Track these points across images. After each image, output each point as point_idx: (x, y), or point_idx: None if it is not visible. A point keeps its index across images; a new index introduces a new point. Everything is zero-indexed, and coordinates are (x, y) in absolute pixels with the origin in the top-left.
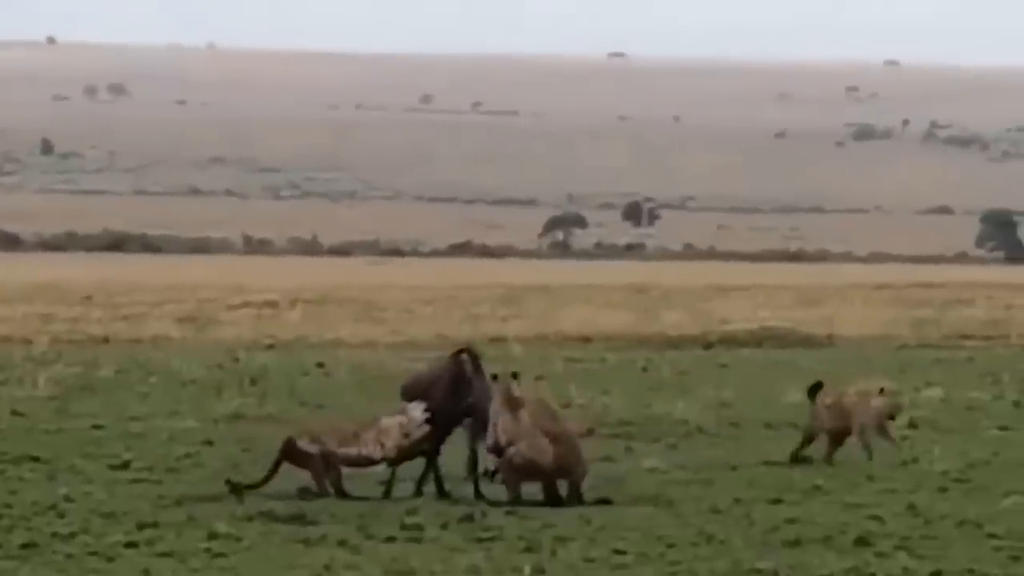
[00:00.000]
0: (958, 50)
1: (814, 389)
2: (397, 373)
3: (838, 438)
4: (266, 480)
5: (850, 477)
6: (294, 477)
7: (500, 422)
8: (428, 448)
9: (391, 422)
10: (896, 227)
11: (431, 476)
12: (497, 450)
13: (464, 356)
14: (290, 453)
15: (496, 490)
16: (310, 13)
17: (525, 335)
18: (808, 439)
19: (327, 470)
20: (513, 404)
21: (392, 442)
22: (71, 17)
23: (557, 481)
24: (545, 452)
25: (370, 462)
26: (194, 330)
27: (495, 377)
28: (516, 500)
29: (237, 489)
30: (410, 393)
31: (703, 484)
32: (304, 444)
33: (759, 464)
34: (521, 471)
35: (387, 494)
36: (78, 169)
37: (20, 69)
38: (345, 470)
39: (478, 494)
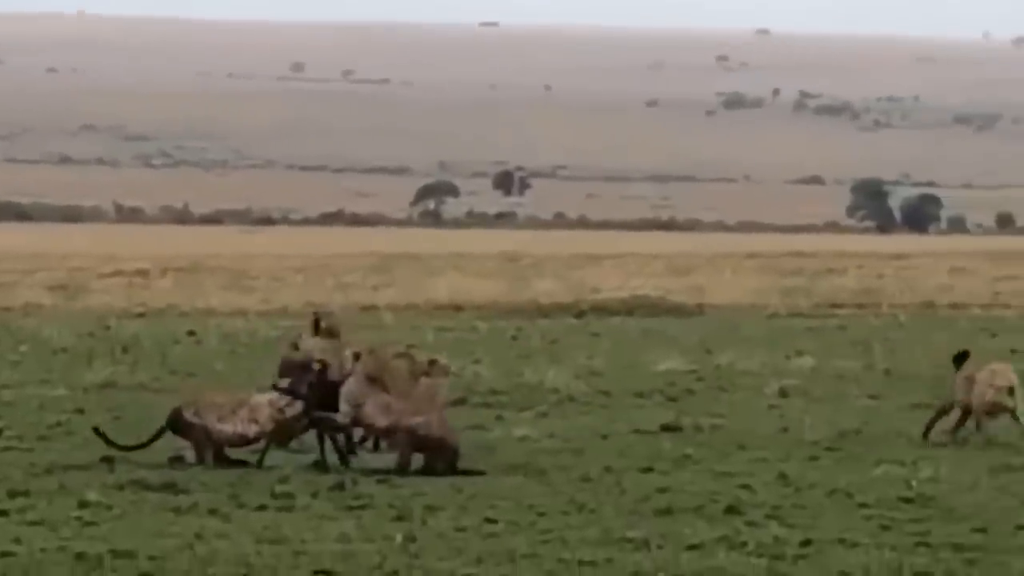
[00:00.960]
0: (829, 20)
1: (959, 358)
2: (268, 341)
3: (968, 413)
4: (145, 445)
5: (721, 446)
6: (166, 446)
7: (375, 398)
8: (314, 421)
9: (261, 399)
10: (767, 196)
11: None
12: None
13: (319, 322)
14: (175, 423)
15: (366, 459)
16: None
17: (396, 304)
18: (942, 410)
19: (208, 443)
20: (373, 383)
21: (265, 419)
22: None
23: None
24: (448, 426)
25: (244, 440)
26: (65, 298)
27: (357, 356)
28: (403, 470)
29: (110, 443)
30: (285, 367)
31: (574, 453)
32: (189, 415)
33: (630, 433)
34: (424, 443)
35: (259, 463)
36: None
37: None
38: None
39: (344, 461)
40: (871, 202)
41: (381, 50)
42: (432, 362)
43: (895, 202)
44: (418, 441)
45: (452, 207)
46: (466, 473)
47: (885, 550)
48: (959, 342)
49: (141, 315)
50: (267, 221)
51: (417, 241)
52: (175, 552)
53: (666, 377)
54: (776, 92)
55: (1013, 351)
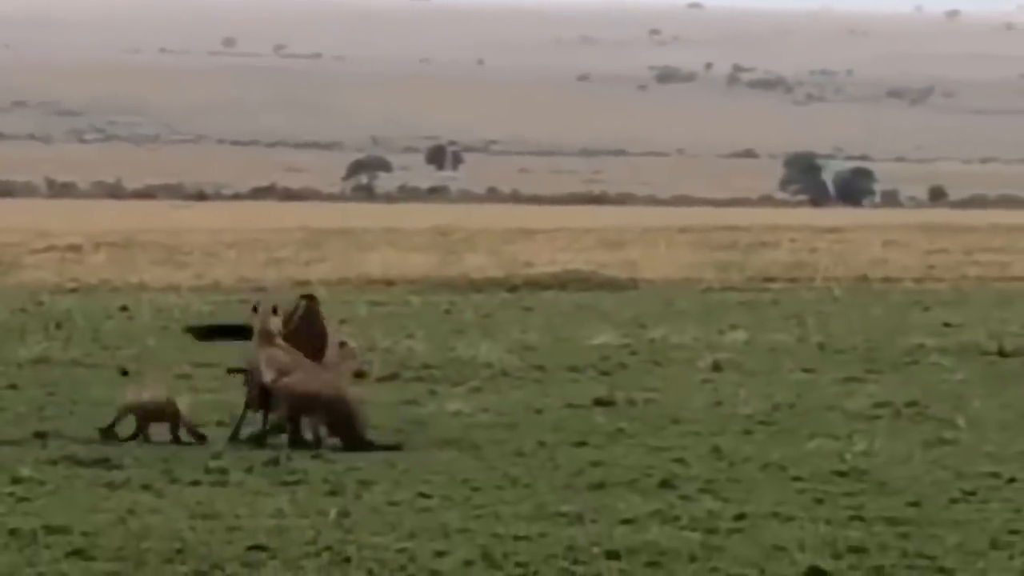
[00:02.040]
0: None
1: None
2: (200, 316)
3: None
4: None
5: (654, 420)
6: (96, 420)
7: (264, 356)
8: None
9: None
10: (700, 170)
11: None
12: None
13: (302, 302)
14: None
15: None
16: None
17: (329, 278)
18: None
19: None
20: (267, 338)
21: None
22: None
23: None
24: (318, 380)
25: None
26: None
27: (255, 309)
28: (293, 437)
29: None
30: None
31: (507, 427)
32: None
33: (563, 407)
34: (298, 400)
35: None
36: None
37: None
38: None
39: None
40: (804, 176)
41: (313, 25)
42: (341, 344)
43: (828, 176)
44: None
45: (384, 182)
46: (386, 448)
47: (819, 524)
48: (892, 315)
49: (74, 290)
50: (199, 196)
51: (350, 216)
52: (108, 527)
53: (599, 351)
54: (709, 66)
55: (946, 324)
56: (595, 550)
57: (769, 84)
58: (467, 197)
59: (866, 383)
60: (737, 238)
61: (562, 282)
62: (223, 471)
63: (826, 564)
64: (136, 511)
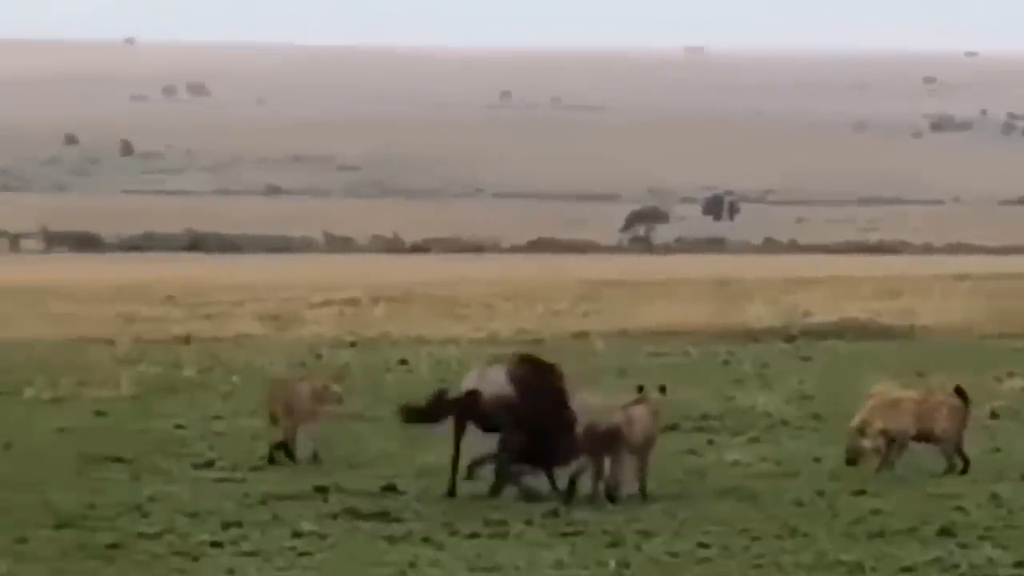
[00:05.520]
0: None
1: None
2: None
3: None
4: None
5: (932, 468)
6: (376, 474)
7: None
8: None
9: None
10: (975, 218)
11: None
12: None
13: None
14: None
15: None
16: (386, 10)
17: (607, 330)
18: None
19: None
20: None
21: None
22: (149, 16)
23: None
24: None
25: None
26: (276, 328)
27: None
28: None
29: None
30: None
31: (786, 477)
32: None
33: (842, 456)
34: None
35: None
36: (157, 169)
37: (99, 70)
38: None
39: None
40: None
41: (587, 77)
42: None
43: None
44: None
45: (662, 233)
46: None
47: None
48: None
49: (353, 344)
50: (477, 249)
51: (627, 267)
52: None
53: None
54: (984, 113)
55: None
56: None
57: None
58: (744, 247)
59: None
60: (1013, 286)
61: (840, 331)
62: (503, 523)
63: None
64: (417, 564)
